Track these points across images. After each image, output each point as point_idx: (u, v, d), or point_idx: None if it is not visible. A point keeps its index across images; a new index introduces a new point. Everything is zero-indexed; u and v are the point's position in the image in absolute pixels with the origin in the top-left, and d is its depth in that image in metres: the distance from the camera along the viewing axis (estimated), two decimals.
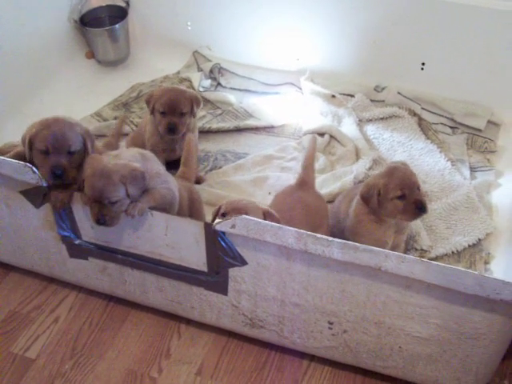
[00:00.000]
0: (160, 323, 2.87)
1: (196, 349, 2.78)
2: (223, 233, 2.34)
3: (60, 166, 2.51)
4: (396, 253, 2.13)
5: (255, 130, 3.83)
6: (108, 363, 2.74)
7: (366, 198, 2.69)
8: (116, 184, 2.36)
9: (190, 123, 3.29)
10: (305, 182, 2.93)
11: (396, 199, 2.60)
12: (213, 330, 2.82)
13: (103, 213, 2.39)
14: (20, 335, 2.85)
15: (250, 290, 2.51)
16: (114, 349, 2.79)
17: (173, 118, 3.17)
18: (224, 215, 2.38)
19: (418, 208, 2.59)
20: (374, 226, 2.70)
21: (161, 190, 2.52)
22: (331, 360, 2.67)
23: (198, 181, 3.38)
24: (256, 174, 3.43)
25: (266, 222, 2.25)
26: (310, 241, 2.19)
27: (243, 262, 2.41)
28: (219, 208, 2.50)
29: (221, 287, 2.55)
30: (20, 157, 2.61)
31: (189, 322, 2.85)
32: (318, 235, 2.18)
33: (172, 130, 3.18)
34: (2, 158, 2.54)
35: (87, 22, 4.38)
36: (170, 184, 2.64)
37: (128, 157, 2.49)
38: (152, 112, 3.24)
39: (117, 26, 4.33)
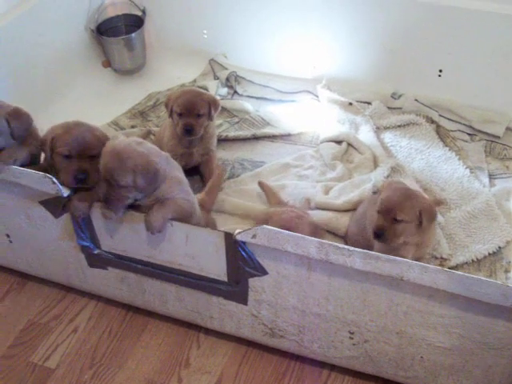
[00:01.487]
0: (179, 333, 2.87)
1: (215, 358, 2.77)
2: (244, 243, 2.33)
3: (84, 171, 2.54)
4: (418, 263, 2.11)
5: (272, 138, 3.82)
6: (127, 373, 2.73)
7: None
8: (126, 169, 2.36)
9: (209, 127, 3.30)
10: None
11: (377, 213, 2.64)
12: (232, 339, 2.81)
13: (110, 192, 2.40)
14: (39, 345, 2.85)
15: (270, 300, 2.50)
16: (133, 358, 2.79)
17: (189, 119, 3.18)
18: None
19: (374, 233, 2.61)
20: None
21: (181, 203, 2.52)
22: (352, 370, 2.65)
23: None
24: (273, 183, 3.42)
25: (287, 232, 2.24)
26: (332, 250, 2.18)
27: (263, 272, 2.40)
28: (266, 221, 2.57)
29: (241, 297, 2.54)
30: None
31: (208, 331, 2.84)
32: (340, 245, 2.17)
33: (189, 130, 3.19)
34: (23, 169, 2.55)
35: (104, 31, 4.41)
36: (190, 196, 2.64)
37: (151, 150, 2.48)
38: (170, 114, 3.24)
39: (133, 34, 4.35)
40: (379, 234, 2.60)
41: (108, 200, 2.41)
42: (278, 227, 2.47)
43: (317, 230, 2.63)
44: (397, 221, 2.58)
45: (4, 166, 2.55)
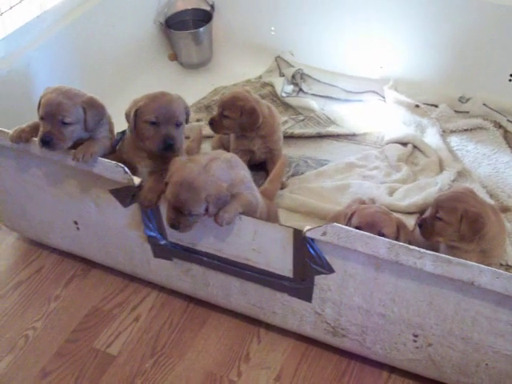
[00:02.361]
0: (240, 327, 2.88)
1: (275, 354, 2.77)
2: (312, 240, 2.33)
3: (172, 136, 2.60)
4: (491, 268, 2.08)
5: (337, 137, 3.80)
6: (188, 364, 2.75)
7: None
8: (200, 200, 2.37)
9: (269, 125, 3.31)
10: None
11: None
12: (292, 335, 2.81)
13: (179, 220, 2.42)
14: (102, 331, 2.89)
15: (334, 299, 2.49)
16: (193, 350, 2.81)
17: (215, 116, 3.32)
18: (358, 228, 2.37)
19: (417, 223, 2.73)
20: None
21: (247, 196, 2.52)
22: (412, 373, 2.62)
23: (280, 186, 3.36)
24: (338, 182, 3.41)
25: (357, 230, 2.23)
26: (402, 252, 2.16)
27: (330, 270, 2.39)
28: (350, 216, 2.59)
29: (305, 294, 2.54)
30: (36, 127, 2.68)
31: (268, 326, 2.85)
32: (411, 246, 2.16)
33: (210, 123, 3.30)
34: (97, 157, 2.59)
35: (172, 24, 4.44)
36: (255, 191, 2.65)
37: (216, 172, 2.46)
38: None
39: (201, 29, 4.38)
40: (419, 225, 2.66)
41: (176, 227, 2.43)
42: (363, 222, 2.48)
43: (402, 227, 2.61)
44: (437, 218, 2.59)
45: (92, 161, 2.60)
